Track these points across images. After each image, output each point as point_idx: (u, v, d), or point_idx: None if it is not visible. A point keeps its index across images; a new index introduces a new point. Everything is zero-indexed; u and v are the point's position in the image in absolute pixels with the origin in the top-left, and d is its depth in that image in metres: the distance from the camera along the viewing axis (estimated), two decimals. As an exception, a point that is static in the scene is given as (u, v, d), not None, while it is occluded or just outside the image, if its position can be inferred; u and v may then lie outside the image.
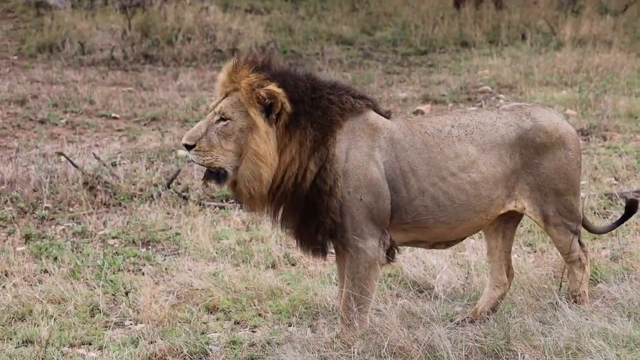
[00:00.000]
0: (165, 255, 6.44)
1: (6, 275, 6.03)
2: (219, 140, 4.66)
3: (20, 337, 5.21)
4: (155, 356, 4.97)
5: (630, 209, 5.34)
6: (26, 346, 5.13)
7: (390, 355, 4.66)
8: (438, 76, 11.57)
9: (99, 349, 5.13)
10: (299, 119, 4.63)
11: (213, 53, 12.77)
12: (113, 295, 5.77)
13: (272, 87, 4.56)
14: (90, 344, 5.20)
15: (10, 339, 5.21)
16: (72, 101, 10.26)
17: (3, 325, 5.36)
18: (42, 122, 9.59)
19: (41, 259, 6.32)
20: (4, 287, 5.83)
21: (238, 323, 5.45)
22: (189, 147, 4.72)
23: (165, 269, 6.15)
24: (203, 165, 4.75)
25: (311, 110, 4.67)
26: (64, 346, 5.13)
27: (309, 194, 4.69)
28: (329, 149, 4.66)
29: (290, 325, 5.31)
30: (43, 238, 6.77)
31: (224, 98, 4.73)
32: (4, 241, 6.70)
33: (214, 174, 4.73)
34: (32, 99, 10.32)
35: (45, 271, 6.12)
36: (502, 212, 5.01)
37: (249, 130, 4.60)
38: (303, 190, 4.69)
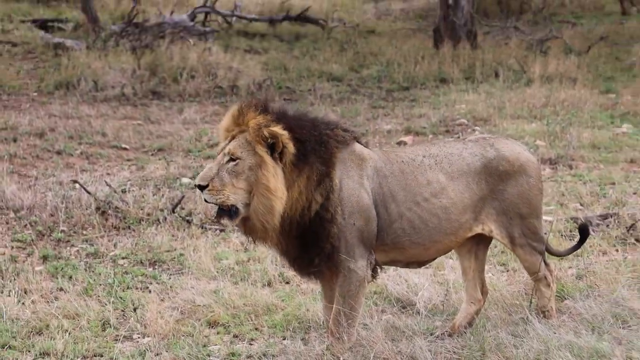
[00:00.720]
0: (170, 274, 6.41)
1: (25, 292, 5.99)
2: (230, 180, 4.58)
3: (38, 349, 5.18)
4: (161, 367, 4.96)
5: (583, 233, 5.35)
6: (43, 358, 5.10)
7: (376, 366, 4.65)
8: (419, 110, 11.57)
9: (110, 361, 5.11)
10: (308, 156, 4.60)
11: (215, 89, 12.76)
12: (122, 311, 5.74)
13: (276, 128, 4.52)
14: (101, 356, 5.17)
15: (29, 351, 5.18)
16: (86, 134, 10.24)
17: (22, 339, 5.33)
18: (58, 152, 9.57)
19: (57, 278, 6.30)
20: (23, 303, 5.79)
21: (237, 336, 5.42)
22: (202, 188, 4.63)
23: (170, 286, 6.12)
24: (216, 204, 4.65)
25: (316, 147, 4.63)
26: (77, 358, 5.10)
27: (312, 223, 4.64)
28: (332, 180, 4.63)
29: (285, 339, 5.28)
30: (59, 259, 6.73)
31: (230, 141, 4.66)
32: (24, 261, 6.66)
33: (226, 212, 4.65)
34: (49, 132, 10.29)
35: (61, 289, 6.09)
36: (469, 235, 4.99)
37: (258, 167, 4.54)
38: (307, 220, 4.63)
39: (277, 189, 4.51)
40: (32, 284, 6.13)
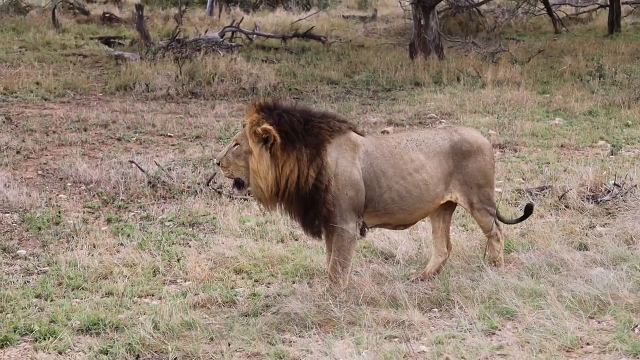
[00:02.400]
0: (205, 233, 6.38)
1: (94, 247, 5.98)
2: (233, 159, 4.65)
3: (104, 290, 5.19)
4: (198, 304, 4.95)
5: (527, 211, 5.35)
6: (108, 297, 5.10)
7: (365, 304, 4.64)
8: (399, 106, 11.48)
9: (159, 299, 5.10)
10: (295, 143, 4.56)
11: (239, 90, 12.67)
12: (169, 261, 5.72)
13: (265, 125, 4.51)
14: (152, 295, 5.17)
15: (97, 292, 5.18)
16: (140, 125, 10.18)
17: (92, 282, 5.33)
18: (119, 139, 9.52)
19: (118, 236, 6.28)
20: (92, 255, 5.78)
21: (257, 281, 5.41)
22: (218, 164, 4.76)
23: (205, 242, 6.10)
24: (226, 176, 4.86)
25: (304, 135, 4.58)
26: (134, 297, 5.10)
27: (310, 192, 4.62)
28: (323, 159, 4.58)
29: (294, 283, 5.28)
30: (119, 221, 6.70)
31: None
32: (92, 223, 6.64)
33: (237, 183, 4.73)
34: (112, 123, 10.23)
35: (121, 244, 6.07)
36: (442, 202, 5.02)
37: (249, 153, 4.56)
38: (305, 190, 4.61)
39: (260, 171, 4.53)
40: (99, 240, 6.12)
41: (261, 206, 4.91)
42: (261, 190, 4.61)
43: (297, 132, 4.60)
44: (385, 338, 4.22)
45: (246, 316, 4.70)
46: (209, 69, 13.23)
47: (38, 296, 5.07)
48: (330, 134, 4.68)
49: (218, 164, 4.77)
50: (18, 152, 8.67)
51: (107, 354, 4.23)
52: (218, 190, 7.36)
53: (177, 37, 15.78)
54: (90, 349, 4.30)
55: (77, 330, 4.55)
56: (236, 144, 4.69)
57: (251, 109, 4.68)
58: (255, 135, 4.55)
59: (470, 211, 5.13)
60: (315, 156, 4.60)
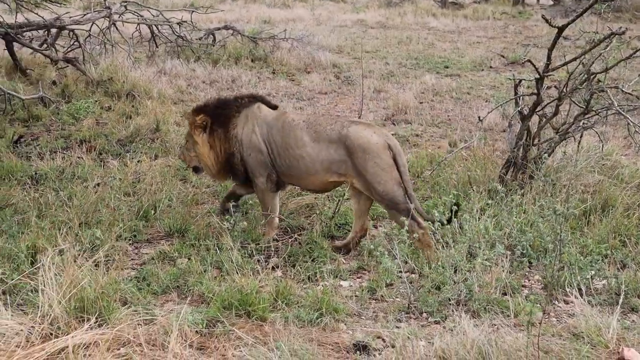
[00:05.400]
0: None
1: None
2: (187, 152, 5.94)
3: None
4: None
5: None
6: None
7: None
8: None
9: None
10: (215, 127, 5.75)
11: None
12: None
13: (202, 115, 5.73)
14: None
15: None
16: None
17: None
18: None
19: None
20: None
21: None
22: (180, 159, 6.20)
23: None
24: (187, 167, 6.20)
25: (219, 119, 5.74)
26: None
27: (229, 160, 5.76)
28: (231, 132, 5.70)
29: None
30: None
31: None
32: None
33: (195, 169, 6.03)
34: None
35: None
36: (329, 180, 5.45)
37: (196, 144, 5.81)
38: (230, 156, 5.74)
39: (204, 154, 5.77)
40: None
41: (214, 180, 6.15)
42: (209, 168, 5.78)
43: (217, 118, 5.70)
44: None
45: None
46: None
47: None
48: (238, 110, 5.74)
49: (181, 160, 6.14)
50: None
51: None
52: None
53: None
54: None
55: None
56: (186, 141, 5.90)
57: (190, 114, 5.83)
58: (196, 127, 5.70)
59: (363, 190, 5.50)
60: (226, 132, 5.66)
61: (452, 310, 4.47)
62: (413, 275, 5.04)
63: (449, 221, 5.28)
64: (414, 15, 25.91)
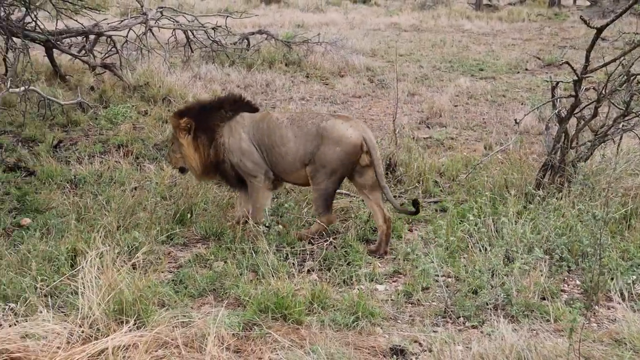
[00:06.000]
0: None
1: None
2: (173, 154, 6.07)
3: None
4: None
5: (415, 206, 5.63)
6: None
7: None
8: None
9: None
10: (199, 133, 5.87)
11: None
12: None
13: (186, 118, 5.83)
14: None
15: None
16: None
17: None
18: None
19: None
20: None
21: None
22: (167, 162, 6.41)
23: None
24: (173, 168, 6.30)
25: (203, 126, 5.86)
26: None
27: (217, 164, 5.88)
28: (217, 141, 5.83)
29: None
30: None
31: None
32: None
33: (181, 169, 6.15)
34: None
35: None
36: (305, 173, 5.65)
37: (181, 145, 5.93)
38: (220, 163, 5.88)
39: (189, 155, 5.90)
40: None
41: (199, 180, 6.23)
42: (194, 169, 5.94)
43: (200, 122, 5.85)
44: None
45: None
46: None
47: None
48: (221, 122, 5.86)
49: (167, 162, 6.27)
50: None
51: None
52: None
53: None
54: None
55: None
56: (172, 144, 6.01)
57: (173, 117, 5.98)
58: (181, 130, 5.83)
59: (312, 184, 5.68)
60: (212, 140, 5.81)
61: (490, 315, 4.42)
62: (449, 279, 5.00)
63: (416, 212, 5.61)
64: (447, 18, 25.76)
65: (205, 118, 5.87)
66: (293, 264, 5.10)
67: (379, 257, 5.54)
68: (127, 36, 13.04)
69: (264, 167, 5.82)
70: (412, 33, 22.04)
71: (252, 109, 6.01)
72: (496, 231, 5.39)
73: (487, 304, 4.54)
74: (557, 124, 6.64)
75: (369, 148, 5.51)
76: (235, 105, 5.96)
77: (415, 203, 5.64)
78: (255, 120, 5.85)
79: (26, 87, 8.50)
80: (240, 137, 5.82)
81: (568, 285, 5.05)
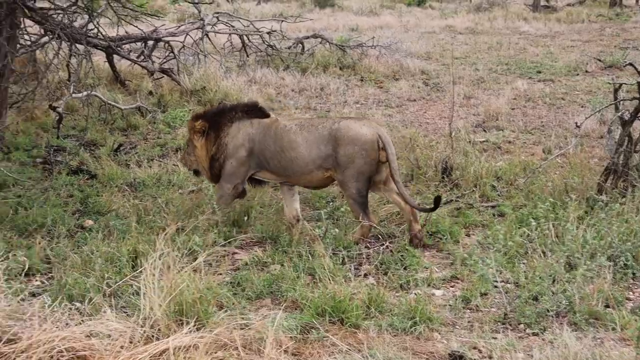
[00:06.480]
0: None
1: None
2: (188, 156, 6.26)
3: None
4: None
5: (436, 202, 5.65)
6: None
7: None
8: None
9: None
10: (210, 132, 6.04)
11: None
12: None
13: (201, 121, 6.03)
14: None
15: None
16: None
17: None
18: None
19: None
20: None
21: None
22: (183, 164, 6.48)
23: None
24: (188, 170, 6.50)
25: (214, 126, 6.04)
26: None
27: (212, 161, 6.06)
28: (221, 140, 5.99)
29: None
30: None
31: None
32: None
33: (195, 172, 6.34)
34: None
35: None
36: (323, 177, 5.76)
37: (195, 147, 6.12)
38: (213, 160, 6.05)
39: (202, 156, 6.10)
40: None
41: (211, 181, 6.24)
42: (205, 170, 6.12)
43: (212, 125, 6.01)
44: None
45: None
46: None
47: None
48: (231, 121, 5.97)
49: (182, 164, 6.42)
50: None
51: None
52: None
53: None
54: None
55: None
56: (187, 146, 6.21)
57: (190, 120, 6.21)
58: (196, 132, 6.04)
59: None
60: (216, 139, 5.99)
61: (551, 322, 4.34)
62: (508, 285, 4.92)
63: (433, 209, 5.63)
64: (504, 20, 25.41)
65: (218, 120, 6.06)
66: (350, 267, 5.10)
67: (417, 246, 5.62)
68: (184, 41, 13.26)
69: (239, 179, 6.00)
70: (468, 35, 21.82)
71: (264, 115, 6.11)
72: (556, 237, 5.29)
73: (548, 311, 4.45)
74: (620, 127, 6.48)
75: (384, 144, 5.59)
76: (248, 109, 6.11)
77: (437, 199, 5.61)
78: (263, 126, 5.96)
79: (89, 92, 8.72)
80: (243, 143, 5.96)
81: (633, 293, 4.91)
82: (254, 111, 6.09)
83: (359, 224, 5.69)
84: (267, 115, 6.12)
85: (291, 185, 6.10)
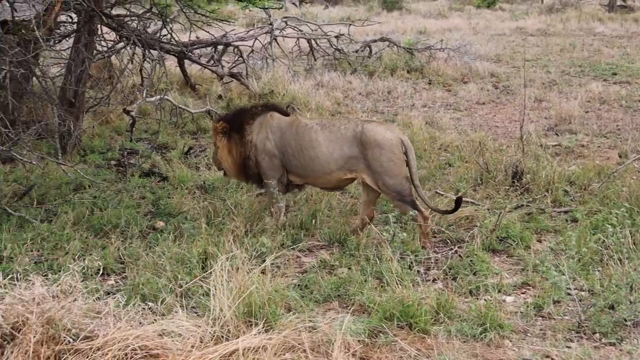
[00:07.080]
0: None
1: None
2: (216, 157, 6.32)
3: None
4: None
5: (457, 203, 5.71)
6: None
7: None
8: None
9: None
10: (232, 134, 6.12)
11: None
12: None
13: (222, 122, 6.15)
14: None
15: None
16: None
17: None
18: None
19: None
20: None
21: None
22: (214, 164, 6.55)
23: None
24: (219, 170, 6.56)
25: (236, 127, 6.11)
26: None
27: (245, 163, 6.10)
28: (246, 138, 6.04)
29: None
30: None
31: None
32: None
33: (223, 172, 6.37)
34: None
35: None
36: (343, 177, 5.80)
37: (218, 148, 6.21)
38: (245, 159, 6.09)
39: (224, 157, 6.18)
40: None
41: (236, 179, 6.45)
42: (229, 169, 6.22)
43: (234, 125, 6.09)
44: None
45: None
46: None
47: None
48: (252, 118, 6.07)
49: (214, 163, 6.52)
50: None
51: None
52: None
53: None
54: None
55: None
56: (215, 147, 6.30)
57: (214, 123, 6.34)
58: (218, 133, 6.15)
59: (380, 191, 5.79)
60: (242, 138, 6.05)
61: (629, 332, 4.19)
62: (582, 293, 4.78)
63: (453, 211, 5.72)
64: (577, 21, 24.77)
65: (239, 120, 6.15)
66: (418, 272, 5.05)
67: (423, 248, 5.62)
68: (253, 46, 13.43)
69: (280, 172, 6.02)
70: (539, 37, 21.36)
71: (284, 113, 6.21)
72: (634, 244, 5.11)
73: (625, 321, 4.30)
74: (702, 131, 6.21)
75: (406, 148, 5.67)
76: (266, 106, 6.28)
77: (458, 201, 5.67)
78: (284, 124, 6.03)
79: (161, 96, 8.93)
80: (267, 137, 6.02)
81: None
82: (274, 109, 6.23)
83: (418, 226, 5.69)
84: (287, 114, 6.26)
85: (311, 185, 6.20)
